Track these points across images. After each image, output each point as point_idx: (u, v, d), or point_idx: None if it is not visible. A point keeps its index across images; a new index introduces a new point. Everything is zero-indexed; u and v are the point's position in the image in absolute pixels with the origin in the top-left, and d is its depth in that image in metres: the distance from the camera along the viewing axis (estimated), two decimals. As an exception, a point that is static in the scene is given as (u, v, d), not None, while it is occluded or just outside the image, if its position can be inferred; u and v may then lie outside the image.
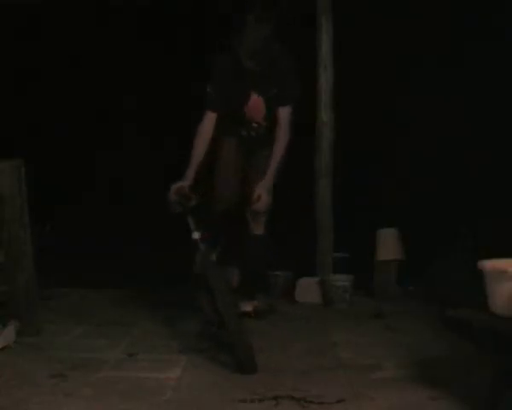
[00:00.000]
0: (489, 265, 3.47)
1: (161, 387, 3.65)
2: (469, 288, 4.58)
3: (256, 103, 4.50)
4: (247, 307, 4.83)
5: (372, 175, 6.25)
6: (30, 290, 4.62)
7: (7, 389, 3.61)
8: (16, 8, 6.18)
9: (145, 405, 3.42)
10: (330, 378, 3.78)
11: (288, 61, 4.52)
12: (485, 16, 5.72)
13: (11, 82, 6.59)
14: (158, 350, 4.32)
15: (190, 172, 4.37)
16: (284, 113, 4.53)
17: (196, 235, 4.21)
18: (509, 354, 3.23)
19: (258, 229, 4.75)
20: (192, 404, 3.45)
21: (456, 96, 5.82)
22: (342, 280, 5.60)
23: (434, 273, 5.55)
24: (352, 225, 5.79)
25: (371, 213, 5.97)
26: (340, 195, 5.82)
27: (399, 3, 5.98)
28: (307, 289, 5.74)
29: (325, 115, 5.75)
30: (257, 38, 4.28)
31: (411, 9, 5.99)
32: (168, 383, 3.71)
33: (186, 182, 4.34)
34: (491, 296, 3.40)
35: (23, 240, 4.60)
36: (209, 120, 4.48)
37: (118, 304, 5.54)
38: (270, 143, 4.57)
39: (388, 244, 5.82)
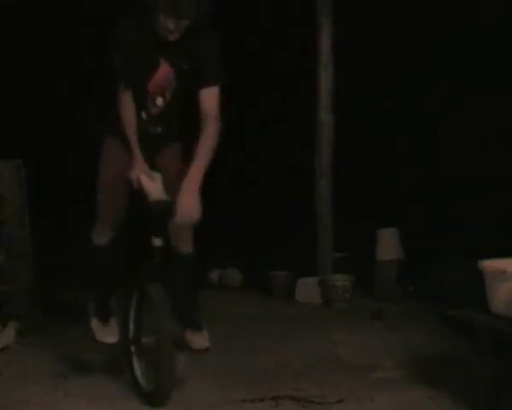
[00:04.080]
0: (489, 265, 3.46)
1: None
2: (469, 288, 4.57)
3: (165, 74, 3.41)
4: (201, 342, 3.71)
5: (372, 175, 6.25)
6: (30, 290, 4.62)
7: (7, 389, 3.61)
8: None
9: (145, 405, 3.42)
10: (330, 378, 3.78)
11: (210, 37, 3.43)
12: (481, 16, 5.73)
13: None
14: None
15: (139, 157, 3.46)
16: (209, 96, 3.37)
17: (158, 242, 3.40)
18: (509, 354, 3.23)
19: (185, 246, 3.62)
20: (192, 404, 3.44)
21: (456, 97, 5.82)
22: (342, 280, 5.60)
23: (434, 273, 5.55)
24: (351, 225, 5.79)
25: (371, 213, 5.97)
26: (340, 195, 5.82)
27: (399, 3, 5.99)
28: (307, 289, 5.75)
29: (325, 115, 5.76)
30: None
31: (411, 9, 5.99)
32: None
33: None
34: (491, 296, 3.40)
35: (23, 240, 4.60)
36: (127, 96, 3.43)
37: (118, 303, 5.53)
38: (180, 139, 3.66)
39: (388, 244, 5.83)
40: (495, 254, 3.57)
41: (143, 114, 3.51)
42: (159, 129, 3.56)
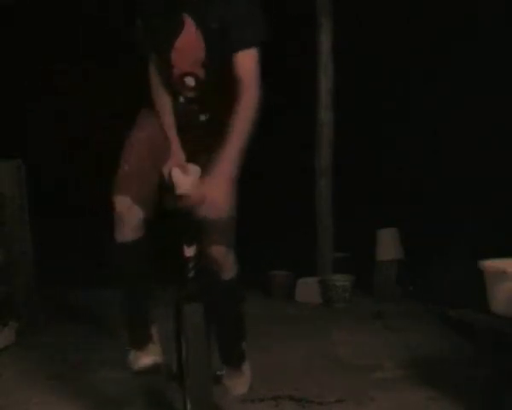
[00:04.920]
0: (489, 265, 3.47)
1: (162, 387, 3.65)
2: (469, 288, 4.58)
3: (190, 38, 2.66)
4: (239, 387, 3.14)
5: (372, 175, 6.25)
6: (30, 290, 4.62)
7: (7, 390, 3.61)
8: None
9: (146, 405, 3.42)
10: (330, 378, 3.78)
11: None
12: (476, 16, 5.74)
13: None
14: (158, 350, 4.31)
15: (176, 147, 2.77)
16: (243, 59, 2.61)
17: (191, 251, 2.69)
18: (509, 354, 3.23)
19: (225, 269, 2.94)
20: (192, 404, 3.44)
21: (456, 97, 5.82)
22: (342, 280, 5.60)
23: (434, 273, 5.55)
24: (351, 225, 5.79)
25: (371, 213, 5.97)
26: (340, 195, 5.82)
27: (399, 3, 5.98)
28: (307, 289, 5.75)
29: (325, 115, 5.76)
30: None
31: (411, 9, 6.00)
32: (168, 383, 3.71)
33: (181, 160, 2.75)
34: (491, 296, 3.40)
35: (23, 240, 4.60)
36: (154, 72, 2.83)
37: (118, 304, 5.53)
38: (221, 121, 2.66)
39: (388, 244, 5.83)
40: (495, 254, 3.57)
41: (181, 98, 2.78)
42: (202, 117, 2.80)
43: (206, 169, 2.62)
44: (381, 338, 4.57)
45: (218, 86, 2.70)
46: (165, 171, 2.72)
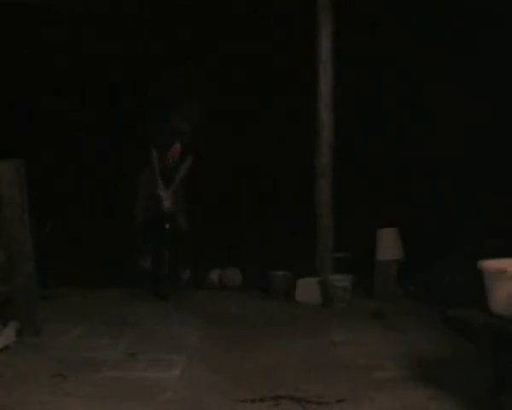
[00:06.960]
0: (489, 265, 3.47)
1: (161, 387, 3.66)
2: (469, 288, 4.58)
3: (176, 150, 6.08)
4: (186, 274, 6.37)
5: (372, 175, 6.25)
6: (30, 290, 4.62)
7: (7, 389, 3.62)
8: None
9: (145, 405, 3.42)
10: (330, 378, 3.78)
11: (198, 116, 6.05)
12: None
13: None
14: (158, 350, 4.32)
15: (161, 185, 6.14)
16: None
17: (167, 225, 6.11)
18: (509, 353, 3.23)
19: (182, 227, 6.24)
20: (192, 404, 3.45)
21: (457, 97, 5.82)
22: (342, 280, 5.61)
23: (434, 273, 5.56)
24: (352, 225, 5.79)
25: (371, 213, 5.97)
26: (340, 195, 5.82)
27: (399, 2, 5.99)
28: (307, 289, 5.75)
29: (325, 115, 5.75)
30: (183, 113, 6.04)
31: (411, 8, 6.00)
32: (168, 383, 3.71)
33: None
34: (490, 296, 3.40)
35: (23, 240, 4.60)
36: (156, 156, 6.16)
37: (118, 304, 5.54)
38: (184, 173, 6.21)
39: (388, 244, 5.83)
40: (495, 254, 3.57)
41: (166, 163, 6.14)
42: (174, 167, 6.15)
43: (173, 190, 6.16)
44: (381, 338, 4.58)
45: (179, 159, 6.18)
46: (159, 193, 6.07)
